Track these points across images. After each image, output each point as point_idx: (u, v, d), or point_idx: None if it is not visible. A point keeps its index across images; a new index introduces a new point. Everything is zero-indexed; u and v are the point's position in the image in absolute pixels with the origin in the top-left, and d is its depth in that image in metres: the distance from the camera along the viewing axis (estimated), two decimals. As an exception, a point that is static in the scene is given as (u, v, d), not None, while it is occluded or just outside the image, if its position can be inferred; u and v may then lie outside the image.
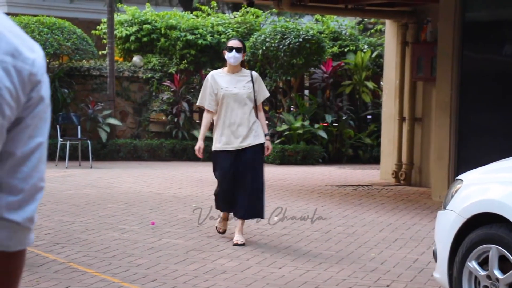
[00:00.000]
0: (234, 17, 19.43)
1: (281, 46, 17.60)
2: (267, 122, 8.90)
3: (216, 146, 8.55)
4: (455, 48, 12.16)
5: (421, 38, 13.98)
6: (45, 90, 1.86)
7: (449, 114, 12.26)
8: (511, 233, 5.48)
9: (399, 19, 14.48)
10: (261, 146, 8.47)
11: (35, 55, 1.83)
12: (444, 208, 6.02)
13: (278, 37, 17.71)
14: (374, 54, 18.63)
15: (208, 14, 19.61)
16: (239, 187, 8.41)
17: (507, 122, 11.58)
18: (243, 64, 8.70)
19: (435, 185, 12.56)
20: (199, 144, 8.58)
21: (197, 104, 8.69)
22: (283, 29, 17.90)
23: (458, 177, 6.21)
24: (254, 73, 8.65)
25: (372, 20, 19.86)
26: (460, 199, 5.87)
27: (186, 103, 17.93)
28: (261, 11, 19.80)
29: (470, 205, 5.77)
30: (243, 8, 19.18)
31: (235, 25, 18.95)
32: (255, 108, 8.56)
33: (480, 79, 12.08)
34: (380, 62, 18.18)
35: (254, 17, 19.28)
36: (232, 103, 8.44)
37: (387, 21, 15.13)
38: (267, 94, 8.70)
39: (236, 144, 8.42)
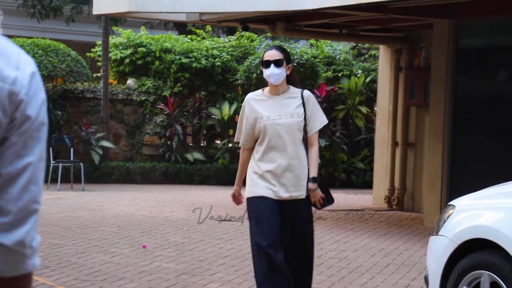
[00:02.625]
0: (229, 40, 19.48)
1: (275, 70, 17.61)
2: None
3: (252, 191, 6.14)
4: (448, 74, 12.21)
5: (415, 64, 14.03)
6: (33, 108, 1.77)
7: (442, 139, 12.28)
8: (503, 259, 5.47)
9: (393, 44, 14.53)
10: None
11: (18, 72, 1.76)
12: (436, 234, 6.01)
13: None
14: (368, 79, 18.69)
15: (203, 38, 19.67)
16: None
17: (499, 148, 11.60)
18: (290, 79, 6.24)
19: (428, 210, 12.55)
20: (235, 190, 6.35)
21: (235, 140, 6.42)
22: (277, 54, 17.91)
23: (450, 203, 6.20)
24: (306, 92, 6.21)
25: (366, 45, 19.93)
26: (452, 225, 5.86)
27: (180, 126, 17.92)
28: (256, 35, 19.86)
29: (462, 231, 5.76)
30: (238, 32, 19.24)
31: (229, 49, 19.00)
32: (305, 140, 6.18)
33: (473, 105, 12.11)
34: (373, 87, 18.23)
35: (249, 41, 19.34)
36: (276, 139, 6.07)
37: (381, 47, 15.19)
38: (324, 121, 6.20)
39: (280, 193, 6.07)
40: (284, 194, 6.04)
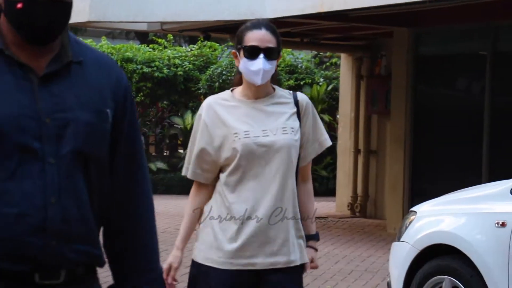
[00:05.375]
0: (191, 50, 19.50)
1: (237, 79, 17.66)
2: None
3: (207, 255, 3.66)
4: (409, 82, 12.34)
5: (376, 72, 14.16)
6: None
7: (403, 146, 12.40)
8: (463, 264, 5.55)
9: (354, 53, 14.65)
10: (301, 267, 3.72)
11: None
12: (398, 240, 6.08)
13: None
14: (330, 87, 18.81)
15: (165, 47, 19.66)
16: None
17: (459, 154, 11.74)
18: (275, 79, 3.83)
19: (390, 217, 12.66)
20: (171, 259, 3.71)
21: (183, 172, 3.80)
22: (240, 62, 17.97)
23: (411, 209, 6.28)
24: (301, 96, 3.84)
25: (328, 53, 20.05)
26: (414, 231, 5.93)
27: (142, 135, 17.89)
28: (218, 44, 19.89)
29: (423, 237, 5.84)
30: (199, 41, 19.26)
31: (191, 58, 19.01)
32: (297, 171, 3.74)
33: (433, 112, 12.26)
34: (335, 95, 18.34)
35: (211, 50, 19.36)
36: (258, 168, 3.64)
37: (342, 55, 15.30)
38: (328, 142, 3.86)
39: (260, 259, 3.61)
40: (264, 260, 3.60)
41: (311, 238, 3.82)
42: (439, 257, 5.76)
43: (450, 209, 5.97)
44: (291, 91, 3.84)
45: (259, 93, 3.75)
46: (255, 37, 3.71)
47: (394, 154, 12.64)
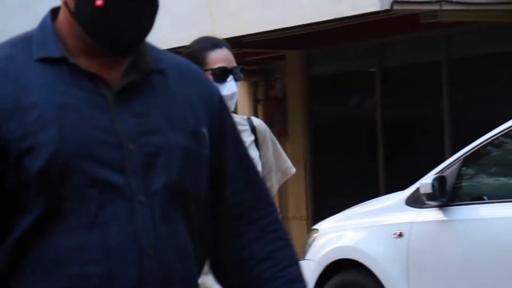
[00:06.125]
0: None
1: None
2: None
3: None
4: (304, 103, 12.63)
5: (271, 95, 14.40)
6: None
7: (303, 166, 12.64)
8: (367, 277, 5.74)
9: (249, 78, 14.86)
10: None
11: None
12: (303, 258, 6.23)
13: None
14: (228, 113, 18.99)
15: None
16: None
17: (357, 170, 12.06)
18: None
19: (295, 236, 12.84)
20: None
21: None
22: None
23: (313, 227, 6.46)
24: (257, 121, 3.52)
25: (224, 79, 20.28)
26: (317, 248, 6.10)
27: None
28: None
29: (327, 253, 6.01)
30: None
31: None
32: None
33: (329, 130, 12.57)
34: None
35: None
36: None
37: (238, 80, 15.50)
38: (291, 170, 3.66)
39: None
40: None
41: None
42: (344, 271, 5.94)
43: (350, 224, 6.17)
44: (245, 117, 3.47)
45: None
46: (220, 57, 3.26)
47: (295, 174, 12.81)
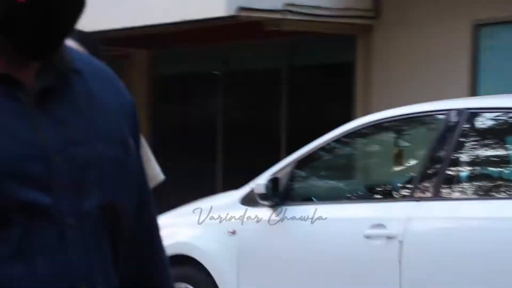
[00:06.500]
0: None
1: None
2: None
3: None
4: (148, 101, 12.75)
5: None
6: None
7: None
8: (200, 271, 5.95)
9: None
10: None
11: None
12: (139, 254, 6.36)
13: None
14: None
15: None
16: None
17: (197, 168, 12.29)
18: None
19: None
20: None
21: None
22: None
23: (151, 223, 6.59)
24: None
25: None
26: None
27: None
28: None
29: (162, 249, 6.18)
30: None
31: None
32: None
33: (172, 129, 12.74)
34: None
35: None
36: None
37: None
38: (161, 175, 3.29)
39: None
40: None
41: None
42: (179, 266, 6.12)
43: (185, 220, 6.35)
44: None
45: None
46: None
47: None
